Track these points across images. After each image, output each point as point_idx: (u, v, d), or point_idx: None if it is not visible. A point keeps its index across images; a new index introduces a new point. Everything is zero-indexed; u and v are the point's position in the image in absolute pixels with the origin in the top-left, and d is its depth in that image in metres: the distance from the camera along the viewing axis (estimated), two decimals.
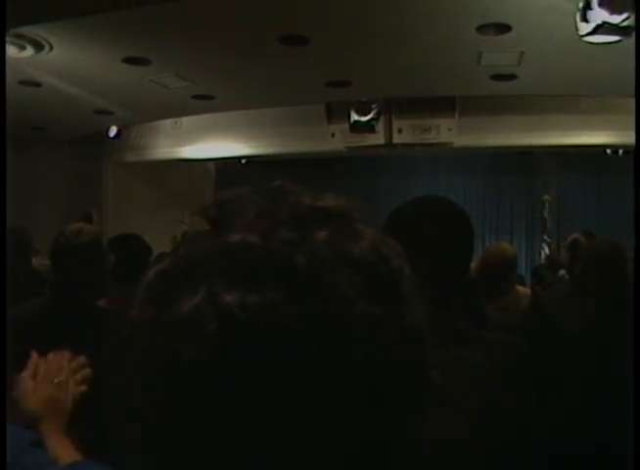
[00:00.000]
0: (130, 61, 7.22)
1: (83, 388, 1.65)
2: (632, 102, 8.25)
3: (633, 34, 5.31)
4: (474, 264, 5.40)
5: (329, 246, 0.58)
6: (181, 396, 0.56)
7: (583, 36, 5.40)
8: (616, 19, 5.15)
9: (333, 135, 9.46)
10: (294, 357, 0.54)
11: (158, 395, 0.57)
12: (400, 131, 9.13)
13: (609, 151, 10.71)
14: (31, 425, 1.45)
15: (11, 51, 6.46)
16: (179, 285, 0.58)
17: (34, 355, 1.62)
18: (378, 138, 9.20)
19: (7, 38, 5.91)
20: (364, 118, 8.91)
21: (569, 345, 3.46)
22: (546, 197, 11.72)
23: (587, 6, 5.15)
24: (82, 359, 1.68)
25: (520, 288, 5.22)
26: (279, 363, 0.54)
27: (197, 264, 0.58)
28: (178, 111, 9.76)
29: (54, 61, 7.09)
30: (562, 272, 6.52)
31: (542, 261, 10.24)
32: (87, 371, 1.69)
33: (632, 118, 8.27)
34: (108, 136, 10.43)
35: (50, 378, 1.59)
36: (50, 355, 1.64)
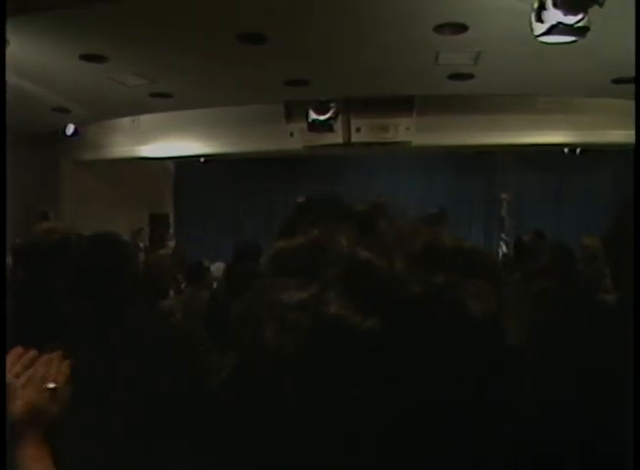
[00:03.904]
0: (87, 58, 7.14)
1: (69, 393, 1.52)
2: (589, 102, 8.43)
3: (590, 37, 5.37)
4: None
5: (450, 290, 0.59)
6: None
7: (538, 36, 5.44)
8: (570, 19, 5.19)
9: (291, 134, 9.45)
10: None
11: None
12: (359, 130, 9.15)
13: (567, 150, 10.84)
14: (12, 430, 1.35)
15: None
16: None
17: (17, 352, 1.45)
18: (336, 137, 9.21)
19: None
20: (322, 117, 8.91)
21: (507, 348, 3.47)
22: (504, 196, 11.83)
23: (542, 6, 5.19)
24: (72, 363, 1.56)
25: None
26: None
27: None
28: (136, 109, 9.68)
29: (10, 57, 6.97)
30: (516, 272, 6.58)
31: (499, 260, 10.31)
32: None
33: (589, 118, 8.46)
34: (65, 134, 10.30)
35: (38, 382, 1.42)
36: (43, 358, 1.52)
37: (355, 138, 9.25)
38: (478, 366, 0.58)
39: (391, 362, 0.55)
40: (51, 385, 1.41)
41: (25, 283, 2.89)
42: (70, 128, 10.28)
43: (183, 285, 6.70)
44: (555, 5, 5.11)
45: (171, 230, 12.82)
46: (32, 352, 1.42)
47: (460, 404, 0.56)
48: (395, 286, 0.56)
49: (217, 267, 7.12)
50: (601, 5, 4.89)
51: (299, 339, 0.55)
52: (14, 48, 6.69)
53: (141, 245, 10.04)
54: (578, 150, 10.78)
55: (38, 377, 1.42)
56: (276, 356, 0.56)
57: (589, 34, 5.32)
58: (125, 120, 10.39)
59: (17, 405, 1.35)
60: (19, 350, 1.42)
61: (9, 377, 1.36)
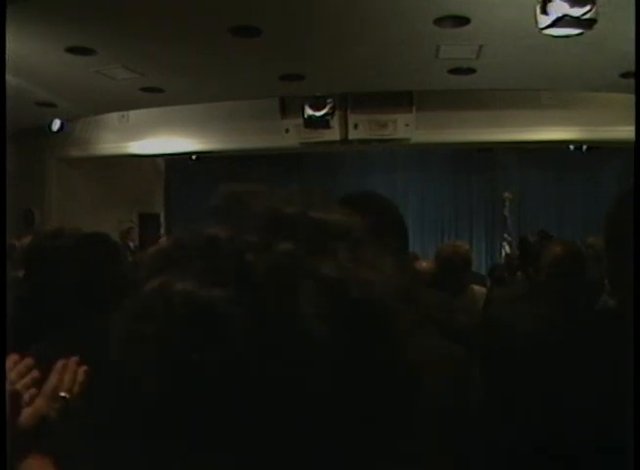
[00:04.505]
0: (74, 50, 7.11)
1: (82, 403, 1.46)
2: (595, 96, 8.42)
3: (595, 27, 5.35)
4: (426, 264, 5.41)
5: (292, 258, 0.60)
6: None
7: (543, 29, 5.43)
8: (577, 11, 5.18)
9: (287, 130, 9.43)
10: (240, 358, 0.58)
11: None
12: (356, 127, 9.14)
13: (572, 147, 10.83)
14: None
15: None
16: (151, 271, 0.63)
17: (26, 362, 1.39)
18: (333, 134, 9.20)
19: None
20: (319, 113, 8.90)
21: (518, 348, 3.46)
22: (506, 194, 11.80)
23: None
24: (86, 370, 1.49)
25: (476, 287, 5.24)
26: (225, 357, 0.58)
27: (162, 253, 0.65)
28: (126, 104, 9.66)
29: None
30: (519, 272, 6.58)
31: (502, 261, 10.30)
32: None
33: (595, 113, 8.45)
34: (50, 130, 10.25)
35: (50, 391, 1.37)
36: (57, 364, 1.45)
37: (353, 135, 9.24)
38: (325, 326, 0.59)
39: (244, 330, 0.58)
40: (63, 394, 1.38)
41: (40, 285, 2.89)
42: (57, 124, 10.23)
43: None
44: None
45: (162, 230, 12.79)
46: (28, 360, 1.37)
47: (314, 370, 0.59)
48: (239, 256, 0.60)
49: None
50: None
51: (160, 324, 0.59)
52: None
53: (131, 245, 10.01)
54: (584, 147, 10.77)
55: (50, 386, 1.38)
56: (142, 342, 0.60)
57: (596, 26, 5.31)
58: (114, 116, 10.35)
59: (25, 416, 1.30)
60: (14, 357, 1.36)
61: (16, 386, 1.30)
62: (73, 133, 10.56)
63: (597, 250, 5.29)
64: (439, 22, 6.31)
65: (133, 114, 10.24)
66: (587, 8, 5.15)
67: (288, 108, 9.39)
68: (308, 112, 8.94)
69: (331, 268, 0.61)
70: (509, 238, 11.15)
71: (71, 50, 7.10)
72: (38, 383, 1.37)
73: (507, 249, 10.99)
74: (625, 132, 8.09)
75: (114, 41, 6.90)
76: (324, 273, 0.60)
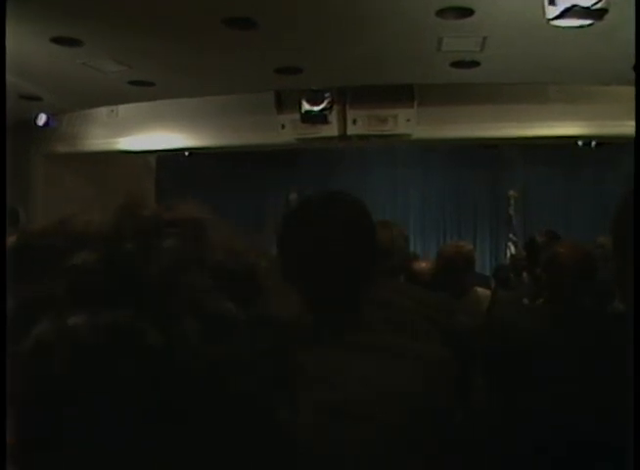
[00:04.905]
0: (60, 41, 7.05)
1: None
2: (604, 90, 8.40)
3: (607, 18, 5.33)
4: (426, 265, 5.40)
5: (174, 252, 0.63)
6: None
7: (551, 20, 5.41)
8: (586, 1, 5.16)
9: (283, 126, 9.40)
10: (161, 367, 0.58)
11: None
12: (355, 122, 9.11)
13: (580, 143, 10.81)
14: None
15: None
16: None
17: None
18: (331, 129, 9.16)
19: None
20: (316, 108, 8.86)
21: (523, 353, 3.45)
22: (512, 193, 11.84)
23: None
24: None
25: (479, 289, 5.24)
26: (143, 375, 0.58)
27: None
28: (115, 98, 9.62)
29: None
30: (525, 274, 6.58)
31: (507, 261, 10.31)
32: None
33: (604, 108, 8.42)
34: (36, 125, 10.22)
35: None
36: None
37: (351, 130, 9.20)
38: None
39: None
40: None
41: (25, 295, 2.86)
42: (42, 118, 10.17)
43: None
44: None
45: None
46: None
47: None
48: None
49: None
50: None
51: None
52: None
53: None
54: (594, 143, 10.76)
55: None
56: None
57: (607, 16, 5.28)
58: (103, 110, 10.31)
59: None
60: None
61: None
62: (60, 128, 10.50)
63: (607, 250, 5.27)
64: (442, 13, 6.27)
65: (123, 108, 10.20)
66: None
67: (284, 102, 9.35)
68: (305, 106, 8.90)
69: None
70: (514, 238, 11.19)
71: (57, 40, 7.04)
72: None
73: (512, 249, 11.02)
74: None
75: (102, 32, 6.85)
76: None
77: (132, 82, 8.73)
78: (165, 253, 0.62)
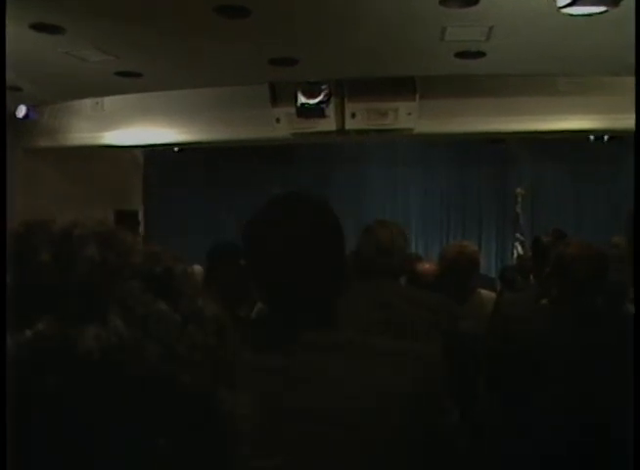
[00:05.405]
0: (40, 28, 6.96)
1: None
2: (617, 81, 8.37)
3: (621, 4, 5.31)
4: (428, 266, 5.39)
5: (92, 258, 0.66)
6: None
7: (561, 8, 5.39)
8: None
9: (278, 120, 9.39)
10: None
11: None
12: (354, 116, 9.10)
13: (592, 137, 10.80)
14: None
15: None
16: None
17: None
18: (328, 124, 9.15)
19: None
20: (313, 101, 8.86)
21: (527, 354, 3.44)
22: (519, 190, 11.81)
23: None
24: None
25: (484, 292, 5.22)
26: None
27: None
28: (99, 89, 9.60)
29: None
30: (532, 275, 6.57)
31: (513, 262, 10.30)
32: None
33: (617, 100, 8.39)
34: (15, 117, 10.19)
35: None
36: None
37: (350, 125, 9.20)
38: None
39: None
40: None
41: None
42: (22, 110, 10.14)
43: None
44: None
45: (141, 229, 12.77)
46: None
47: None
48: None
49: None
50: None
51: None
52: None
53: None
54: (606, 137, 10.74)
55: None
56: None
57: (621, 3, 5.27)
58: (87, 102, 10.29)
59: None
60: None
61: None
62: (41, 121, 10.47)
63: (622, 250, 5.25)
64: (445, 1, 6.24)
65: (108, 100, 10.18)
66: None
67: (279, 95, 9.32)
68: (301, 99, 8.89)
69: None
70: (521, 237, 11.17)
71: (37, 27, 6.94)
72: None
73: (519, 249, 11.00)
74: None
75: (86, 18, 6.78)
76: None
77: (118, 73, 8.70)
78: (83, 260, 0.66)
